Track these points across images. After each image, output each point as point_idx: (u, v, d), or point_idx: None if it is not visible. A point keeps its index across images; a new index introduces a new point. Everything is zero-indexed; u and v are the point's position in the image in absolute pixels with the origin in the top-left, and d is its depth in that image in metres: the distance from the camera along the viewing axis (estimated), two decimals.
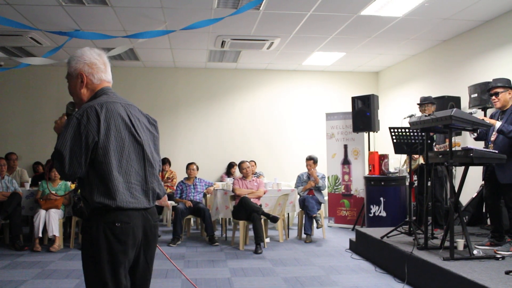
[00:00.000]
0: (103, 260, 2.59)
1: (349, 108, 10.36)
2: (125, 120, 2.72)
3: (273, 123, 12.39)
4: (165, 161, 11.41)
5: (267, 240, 8.22)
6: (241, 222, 7.93)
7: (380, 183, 8.65)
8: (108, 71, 2.94)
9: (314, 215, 8.41)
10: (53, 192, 8.10)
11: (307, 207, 8.49)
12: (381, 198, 8.54)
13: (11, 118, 11.88)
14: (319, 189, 8.89)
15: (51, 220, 7.77)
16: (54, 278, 5.97)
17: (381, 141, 11.00)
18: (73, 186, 8.52)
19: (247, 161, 8.72)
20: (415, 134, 6.67)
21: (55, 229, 7.78)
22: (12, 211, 7.90)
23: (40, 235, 7.77)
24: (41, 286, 5.59)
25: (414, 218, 6.70)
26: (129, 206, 2.63)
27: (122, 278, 2.63)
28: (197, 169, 9.18)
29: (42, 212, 7.84)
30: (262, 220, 7.91)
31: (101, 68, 2.89)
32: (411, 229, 6.51)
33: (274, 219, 7.84)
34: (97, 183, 2.60)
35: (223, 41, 9.49)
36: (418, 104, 7.51)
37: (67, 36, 7.88)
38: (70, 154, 2.53)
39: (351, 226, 9.73)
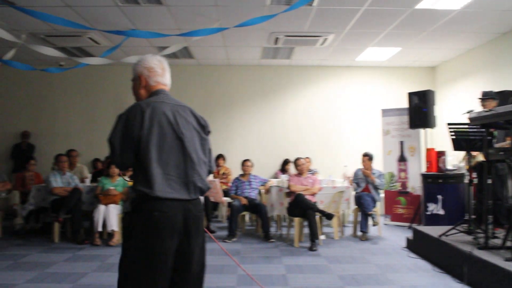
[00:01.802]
0: (139, 246, 2.79)
1: (404, 104, 10.18)
2: (169, 118, 2.97)
3: (327, 120, 12.32)
4: (220, 157, 11.52)
5: (322, 237, 8.18)
6: (296, 219, 7.93)
7: (438, 180, 8.47)
8: (166, 75, 3.28)
9: (370, 212, 8.32)
10: (112, 187, 8.32)
11: (363, 205, 8.40)
12: (439, 196, 8.36)
13: (72, 116, 12.28)
14: (375, 187, 8.78)
15: (110, 215, 7.98)
16: (113, 272, 6.13)
17: (438, 138, 10.77)
18: (131, 182, 8.71)
19: (302, 158, 8.70)
20: (475, 130, 6.49)
21: (114, 224, 7.98)
22: (73, 206, 8.16)
23: (100, 229, 7.99)
24: (101, 279, 5.76)
25: (473, 216, 6.52)
26: (166, 196, 2.84)
27: (158, 266, 2.80)
28: (252, 165, 9.23)
29: (102, 207, 8.07)
30: (317, 217, 7.89)
31: (158, 72, 3.24)
32: (471, 228, 6.35)
33: (329, 216, 7.80)
34: (139, 174, 2.88)
35: (276, 38, 9.50)
36: (479, 99, 7.30)
37: (123, 36, 8.06)
38: (120, 145, 2.86)
39: (408, 224, 9.58)
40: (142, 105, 2.94)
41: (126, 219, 2.94)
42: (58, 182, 8.47)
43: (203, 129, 3.20)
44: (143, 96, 3.18)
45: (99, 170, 10.91)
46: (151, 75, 3.21)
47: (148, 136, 2.87)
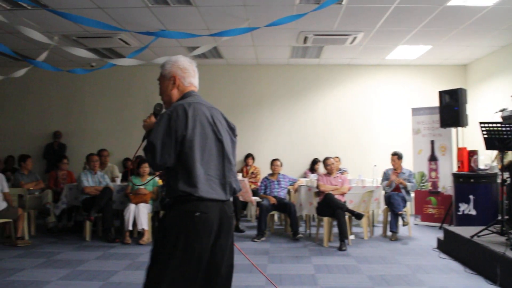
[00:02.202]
0: (178, 247, 2.78)
1: (435, 103, 10.05)
2: (208, 119, 3.00)
3: (356, 119, 12.22)
4: (249, 156, 11.54)
5: (351, 237, 8.14)
6: (325, 219, 7.90)
7: (470, 180, 8.32)
8: (196, 77, 3.30)
9: (400, 212, 8.24)
10: (142, 187, 8.41)
11: (393, 204, 8.33)
12: (471, 196, 8.22)
13: (103, 116, 12.44)
14: (406, 188, 8.68)
15: (140, 214, 8.06)
16: (143, 270, 6.19)
17: (470, 137, 10.61)
18: (160, 181, 8.80)
19: (331, 157, 8.67)
20: (508, 129, 6.37)
21: (144, 223, 8.06)
22: (104, 205, 8.28)
23: (130, 228, 8.09)
24: (131, 277, 5.83)
25: (506, 217, 6.40)
26: (208, 196, 2.87)
27: (195, 266, 2.81)
28: (281, 165, 9.22)
29: (132, 206, 8.16)
30: (347, 217, 7.85)
31: (191, 73, 3.26)
32: (504, 228, 6.23)
33: (359, 216, 7.75)
34: (181, 173, 2.87)
35: (305, 37, 9.47)
36: None
37: (153, 36, 8.14)
38: (161, 146, 2.83)
39: (438, 224, 9.45)
40: (184, 105, 2.94)
41: (164, 218, 2.92)
42: (89, 181, 8.60)
43: (233, 132, 3.24)
44: (175, 97, 3.17)
45: (130, 170, 11.03)
46: (185, 76, 3.22)
47: (192, 136, 2.88)
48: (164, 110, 3.20)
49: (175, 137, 2.85)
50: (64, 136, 12.26)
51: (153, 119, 3.17)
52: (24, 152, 10.18)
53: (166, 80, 3.20)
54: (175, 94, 3.19)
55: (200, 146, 2.91)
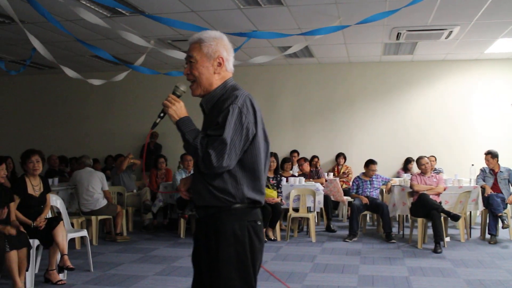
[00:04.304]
0: (248, 260, 2.53)
1: None
2: (262, 116, 2.65)
3: (452, 117, 11.76)
4: (340, 156, 11.46)
5: (447, 239, 7.87)
6: (420, 220, 7.68)
7: None
8: None
9: (499, 214, 7.85)
10: None
11: (492, 206, 7.95)
12: None
13: (195, 116, 12.70)
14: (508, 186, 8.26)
15: None
16: None
17: None
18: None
19: (426, 157, 8.42)
20: None
21: None
22: None
23: None
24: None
25: None
26: (263, 203, 2.66)
27: (254, 276, 2.60)
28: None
29: None
30: (442, 218, 7.58)
31: (232, 57, 2.76)
32: None
33: (455, 217, 7.48)
34: (244, 177, 2.56)
35: (398, 33, 9.24)
36: None
37: (245, 37, 8.25)
38: (230, 145, 2.44)
39: None
40: (250, 97, 2.57)
41: (223, 226, 2.53)
42: None
43: None
44: (213, 84, 2.68)
45: None
46: (230, 59, 2.72)
47: (259, 135, 2.57)
48: (182, 92, 2.76)
49: (246, 136, 2.49)
50: (160, 136, 12.69)
51: (181, 102, 2.71)
52: (122, 152, 10.69)
53: (210, 60, 2.66)
54: (217, 78, 2.68)
55: (264, 148, 2.63)
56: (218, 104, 2.64)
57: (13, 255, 5.03)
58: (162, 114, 2.76)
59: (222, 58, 2.66)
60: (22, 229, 5.36)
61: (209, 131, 2.53)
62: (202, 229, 2.65)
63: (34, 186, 5.93)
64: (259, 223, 2.61)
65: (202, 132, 2.61)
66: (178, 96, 2.74)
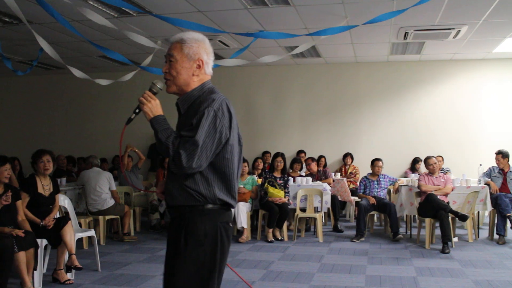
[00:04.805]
0: (216, 261, 2.55)
1: None
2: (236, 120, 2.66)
3: (460, 117, 11.70)
4: (347, 156, 11.43)
5: (455, 239, 7.84)
6: (427, 220, 7.65)
7: None
8: None
9: (508, 214, 7.81)
10: (241, 186, 8.55)
11: (500, 206, 7.91)
12: None
13: None
14: None
15: (240, 213, 8.20)
16: (243, 268, 6.32)
17: None
18: (259, 180, 8.91)
19: (433, 157, 8.39)
20: None
21: (243, 221, 8.20)
22: None
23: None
24: (231, 274, 5.95)
25: None
26: (234, 206, 2.69)
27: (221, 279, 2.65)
28: (382, 165, 8.99)
29: None
30: (450, 218, 7.55)
31: (212, 61, 2.77)
32: None
33: (463, 218, 7.44)
34: (216, 179, 2.58)
35: (406, 33, 9.21)
36: None
37: (252, 37, 8.25)
38: (201, 147, 2.45)
39: None
40: (226, 101, 2.60)
41: (194, 225, 2.54)
42: None
43: None
44: (193, 84, 2.70)
45: None
46: (209, 62, 2.74)
47: (233, 140, 2.60)
48: (158, 89, 2.79)
49: (219, 139, 2.51)
50: None
51: (157, 100, 2.70)
52: (130, 152, 10.69)
53: (190, 61, 2.67)
54: (195, 80, 2.70)
55: (237, 152, 2.65)
56: (194, 105, 2.65)
57: (22, 255, 5.09)
58: (137, 110, 2.75)
59: (202, 61, 2.68)
60: (29, 228, 5.40)
61: (182, 132, 2.54)
62: (173, 229, 2.64)
63: (44, 186, 5.97)
64: (231, 225, 2.65)
65: (176, 132, 2.62)
66: (155, 93, 2.75)
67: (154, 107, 2.67)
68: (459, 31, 9.00)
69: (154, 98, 2.70)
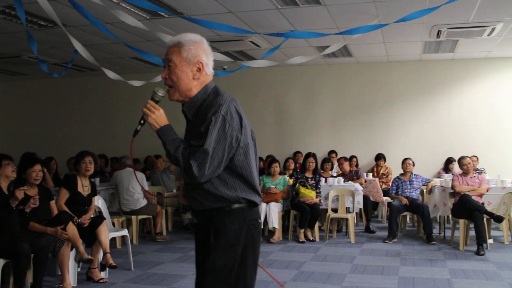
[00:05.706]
0: (249, 259, 2.58)
1: None
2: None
3: (495, 116, 11.47)
4: (380, 157, 11.32)
5: (490, 241, 7.70)
6: (461, 221, 7.54)
7: None
8: None
9: None
10: (273, 186, 8.56)
11: None
12: None
13: None
14: None
15: (271, 213, 8.21)
16: (274, 268, 6.33)
17: None
18: (291, 181, 8.90)
19: (468, 157, 8.25)
20: None
21: (275, 222, 8.20)
22: None
23: (261, 227, 8.27)
24: (262, 275, 5.95)
25: None
26: (260, 202, 2.68)
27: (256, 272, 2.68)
28: (413, 164, 8.91)
29: (263, 205, 8.32)
30: (485, 219, 7.42)
31: (212, 60, 2.72)
32: None
33: (499, 219, 7.31)
34: (235, 180, 2.57)
35: (438, 31, 9.08)
36: None
37: (283, 37, 8.25)
38: (211, 155, 2.43)
39: None
40: (235, 103, 2.57)
41: (221, 227, 2.56)
42: None
43: None
44: (192, 89, 2.65)
45: (261, 169, 11.27)
46: (209, 63, 2.67)
47: (245, 139, 2.57)
48: (160, 97, 2.71)
49: (230, 144, 2.48)
50: None
51: (161, 110, 2.66)
52: (161, 153, 10.79)
53: (190, 64, 2.62)
54: (196, 84, 2.65)
55: (252, 148, 2.63)
56: (201, 110, 2.63)
57: (66, 251, 5.27)
58: (142, 121, 2.74)
59: (201, 64, 2.63)
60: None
61: (192, 141, 2.53)
62: (202, 233, 2.65)
63: (83, 186, 6.13)
64: (260, 220, 2.66)
65: (185, 142, 2.61)
66: (157, 102, 2.70)
67: (159, 117, 2.64)
68: (494, 28, 8.83)
69: (157, 108, 2.65)
